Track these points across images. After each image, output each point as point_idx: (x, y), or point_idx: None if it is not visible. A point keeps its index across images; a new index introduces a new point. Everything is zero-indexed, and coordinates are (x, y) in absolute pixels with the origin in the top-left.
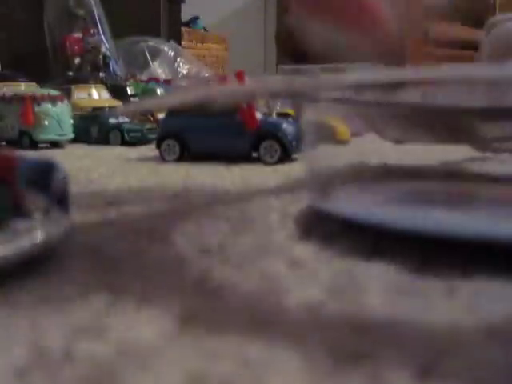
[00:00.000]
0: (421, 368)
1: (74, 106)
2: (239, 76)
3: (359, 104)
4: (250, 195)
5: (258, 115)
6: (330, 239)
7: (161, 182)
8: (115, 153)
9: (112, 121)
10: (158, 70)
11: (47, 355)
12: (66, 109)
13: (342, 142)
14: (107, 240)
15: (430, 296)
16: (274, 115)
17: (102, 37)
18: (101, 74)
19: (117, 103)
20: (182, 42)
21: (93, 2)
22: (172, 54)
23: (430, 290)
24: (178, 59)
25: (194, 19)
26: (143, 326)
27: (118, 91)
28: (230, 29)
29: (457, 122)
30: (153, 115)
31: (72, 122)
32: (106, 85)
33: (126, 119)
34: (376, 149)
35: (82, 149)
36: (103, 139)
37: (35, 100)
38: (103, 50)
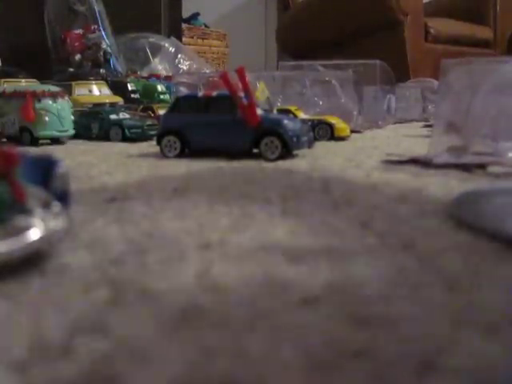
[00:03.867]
0: (422, 364)
1: (75, 103)
2: (240, 72)
3: None
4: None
5: (259, 111)
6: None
7: (161, 178)
8: (116, 149)
9: (113, 117)
10: (159, 66)
11: (47, 350)
12: (67, 105)
13: (342, 139)
14: (107, 236)
15: None
16: (275, 111)
17: (103, 33)
18: (101, 70)
19: (117, 99)
20: (183, 39)
21: None
22: (173, 50)
23: None
24: (179, 55)
25: (195, 15)
26: (143, 321)
27: (118, 87)
28: (230, 25)
29: None
30: (153, 111)
31: (73, 118)
32: (106, 81)
33: (127, 115)
34: (375, 144)
35: (82, 145)
36: (104, 135)
37: (36, 96)
38: (104, 46)
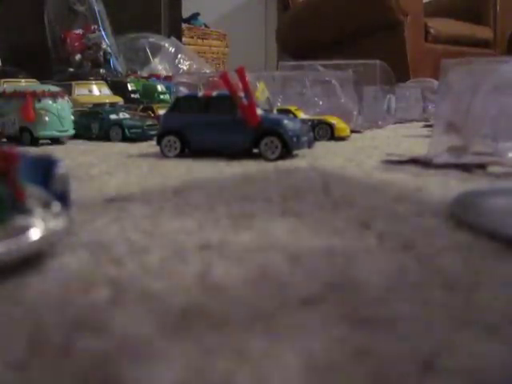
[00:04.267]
0: (422, 364)
1: (75, 103)
2: (240, 72)
3: None
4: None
5: (259, 111)
6: None
7: (161, 178)
8: (116, 149)
9: (113, 117)
10: (159, 66)
11: (47, 350)
12: (67, 105)
13: (342, 139)
14: (107, 236)
15: None
16: (275, 111)
17: (103, 33)
18: (101, 70)
19: (117, 99)
20: (183, 39)
21: None
22: (173, 50)
23: None
24: (179, 55)
25: (195, 15)
26: (143, 321)
27: (118, 87)
28: (230, 25)
29: None
30: (153, 111)
31: (73, 118)
32: (106, 81)
33: (127, 115)
34: (375, 144)
35: (82, 145)
36: (104, 135)
37: (36, 96)
38: (104, 46)
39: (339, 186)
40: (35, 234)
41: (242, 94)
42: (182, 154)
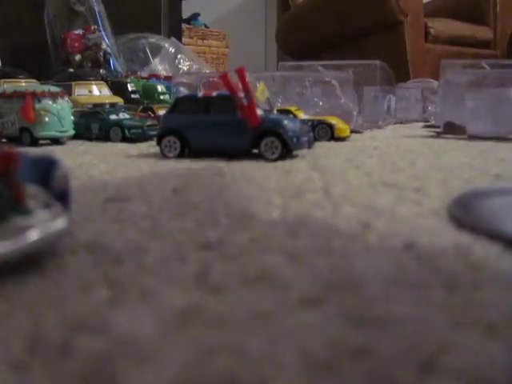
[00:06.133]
0: (421, 364)
1: (75, 103)
2: (240, 72)
3: None
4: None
5: (259, 112)
6: None
7: (161, 178)
8: (116, 149)
9: (113, 117)
10: (159, 66)
11: (47, 350)
12: (67, 105)
13: (342, 139)
14: (107, 236)
15: None
16: (275, 111)
17: (103, 33)
18: (101, 70)
19: (117, 100)
20: (183, 39)
21: None
22: (173, 50)
23: None
24: (179, 56)
25: (195, 16)
26: (143, 321)
27: (118, 88)
28: (230, 25)
29: None
30: (153, 112)
31: (73, 118)
32: (106, 81)
33: (127, 116)
34: (375, 144)
35: (82, 145)
36: (104, 136)
37: (36, 96)
38: (104, 46)
39: (339, 186)
40: (35, 234)
41: (242, 95)
42: (181, 154)
